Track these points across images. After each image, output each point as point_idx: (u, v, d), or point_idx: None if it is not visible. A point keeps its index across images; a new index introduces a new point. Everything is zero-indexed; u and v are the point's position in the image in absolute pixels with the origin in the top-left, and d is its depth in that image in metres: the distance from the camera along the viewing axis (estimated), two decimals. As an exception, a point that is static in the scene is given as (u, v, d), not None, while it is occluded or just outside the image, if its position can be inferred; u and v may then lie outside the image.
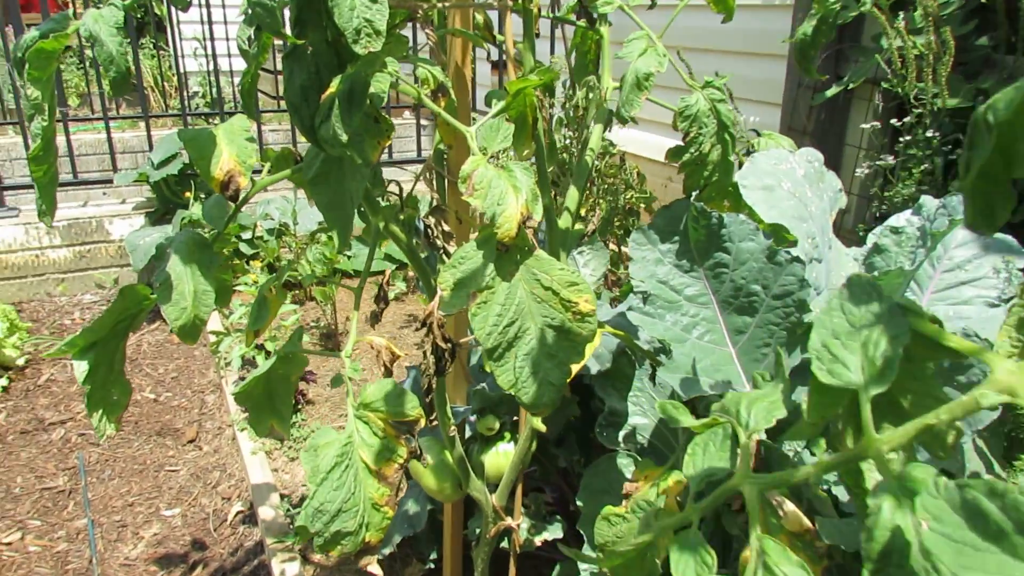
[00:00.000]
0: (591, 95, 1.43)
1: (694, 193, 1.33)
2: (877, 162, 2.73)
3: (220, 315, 3.39)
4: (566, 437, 1.79)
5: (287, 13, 0.94)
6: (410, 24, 1.55)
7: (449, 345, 1.08)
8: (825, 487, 1.12)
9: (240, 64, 5.96)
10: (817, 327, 0.51)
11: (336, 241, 1.01)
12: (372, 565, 1.22)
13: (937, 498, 0.40)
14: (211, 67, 4.80)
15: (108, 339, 1.12)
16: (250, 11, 0.90)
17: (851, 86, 2.92)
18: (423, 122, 5.26)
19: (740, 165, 1.36)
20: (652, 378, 1.47)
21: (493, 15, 1.49)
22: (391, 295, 3.77)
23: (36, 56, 0.94)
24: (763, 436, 0.94)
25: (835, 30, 1.14)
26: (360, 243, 4.14)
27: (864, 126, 2.95)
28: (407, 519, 1.81)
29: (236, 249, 3.98)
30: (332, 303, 3.40)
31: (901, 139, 2.59)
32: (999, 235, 1.42)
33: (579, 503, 1.51)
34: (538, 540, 1.67)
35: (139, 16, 7.44)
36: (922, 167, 2.53)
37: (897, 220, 1.45)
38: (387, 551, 1.84)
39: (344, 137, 0.89)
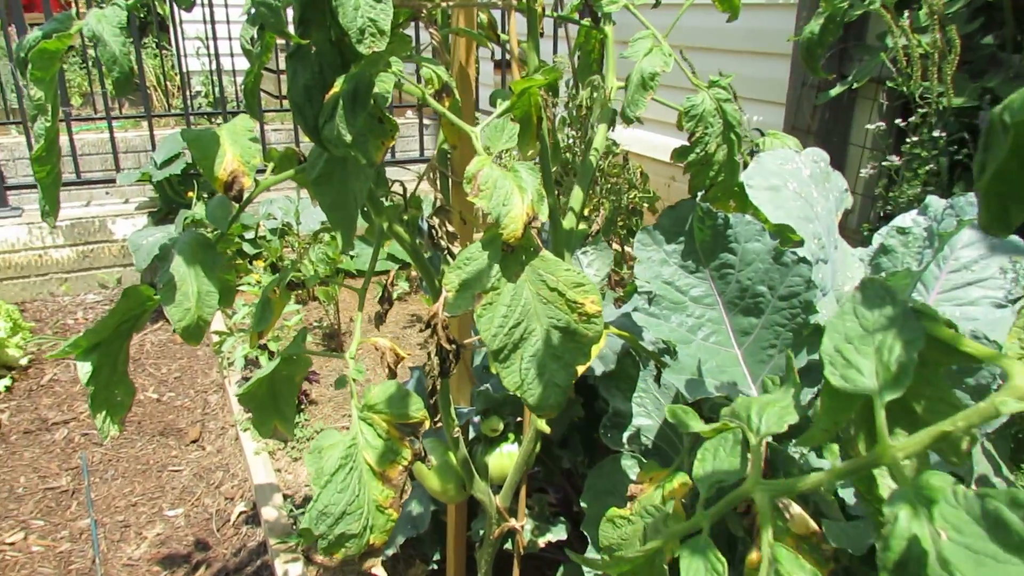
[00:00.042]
0: (595, 95, 1.42)
1: (699, 193, 1.32)
2: (883, 163, 2.72)
3: (223, 315, 3.39)
4: (570, 438, 1.78)
5: (290, 13, 0.93)
6: (413, 23, 1.55)
7: (454, 346, 1.07)
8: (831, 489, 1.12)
9: (242, 63, 5.96)
10: (830, 331, 0.50)
11: (340, 242, 1.00)
12: (376, 567, 1.21)
13: (956, 508, 0.39)
14: (214, 66, 4.80)
15: (111, 340, 1.12)
16: (254, 11, 0.89)
17: (855, 85, 2.91)
18: (426, 121, 5.25)
19: (745, 165, 1.35)
20: (657, 379, 1.47)
21: (496, 14, 1.49)
22: (394, 295, 3.77)
23: (39, 56, 0.94)
24: (769, 438, 0.94)
25: (842, 28, 1.13)
26: (363, 243, 4.13)
27: (869, 127, 2.94)
28: (411, 520, 1.80)
29: (239, 249, 3.98)
30: (335, 303, 3.40)
31: (907, 140, 2.58)
32: (1006, 235, 1.41)
33: (583, 504, 1.50)
34: (542, 541, 1.67)
35: (142, 16, 7.44)
36: (927, 167, 2.52)
37: (903, 220, 1.45)
38: (390, 552, 1.84)
39: (348, 137, 0.88)
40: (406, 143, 5.40)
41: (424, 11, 1.23)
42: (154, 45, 6.98)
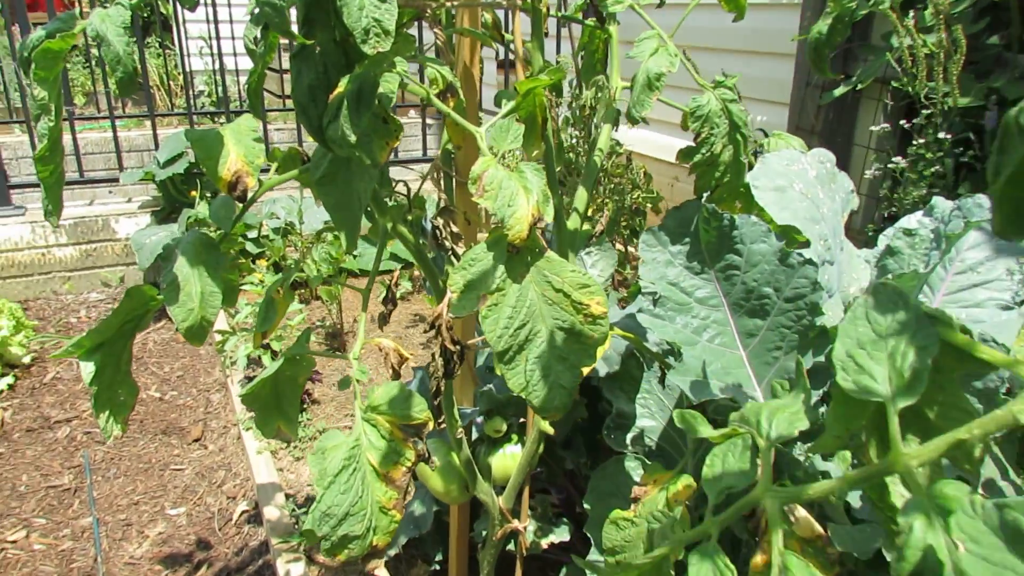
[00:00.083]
0: (600, 95, 1.41)
1: (705, 194, 1.32)
2: (888, 165, 2.71)
3: (226, 314, 3.39)
4: (573, 439, 1.78)
5: (294, 13, 0.93)
6: (416, 23, 1.54)
7: (458, 348, 1.07)
8: (837, 492, 1.11)
9: (245, 63, 5.96)
10: (842, 336, 0.50)
11: (344, 242, 1.00)
12: (379, 569, 1.21)
13: (974, 518, 0.38)
14: (217, 66, 4.80)
15: (115, 340, 1.12)
16: (258, 10, 0.89)
17: (860, 86, 2.90)
18: (428, 121, 5.25)
19: (750, 166, 1.35)
20: (661, 381, 1.46)
21: (500, 14, 1.48)
22: (397, 295, 3.77)
23: (42, 56, 0.93)
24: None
25: (850, 29, 1.12)
26: (366, 242, 4.13)
27: (873, 128, 2.93)
28: (413, 520, 1.80)
29: (242, 248, 3.98)
30: (338, 302, 3.39)
31: (914, 142, 2.57)
32: (1013, 237, 1.40)
33: (586, 506, 1.50)
34: (544, 543, 1.66)
35: (145, 15, 7.45)
36: (933, 169, 2.52)
37: (909, 222, 1.44)
38: (392, 552, 1.83)
39: (352, 138, 0.88)
40: (409, 143, 5.40)
41: (428, 11, 1.22)
42: (157, 44, 6.99)
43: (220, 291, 1.03)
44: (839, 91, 3.03)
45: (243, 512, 2.42)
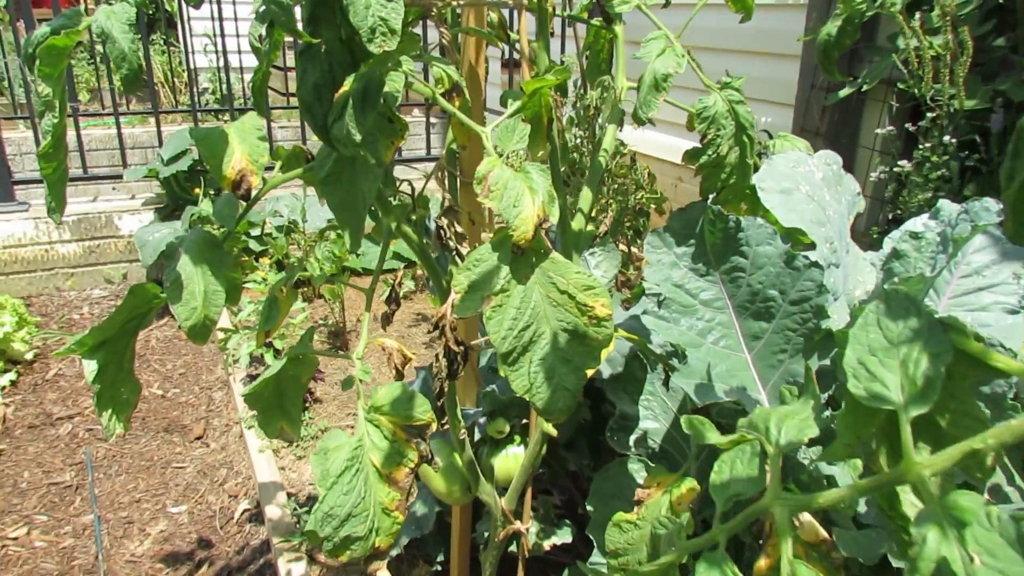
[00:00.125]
0: (605, 95, 1.41)
1: (711, 196, 1.31)
2: (894, 168, 2.71)
3: (229, 312, 3.39)
4: (576, 440, 1.77)
5: (299, 11, 0.93)
6: (421, 21, 1.53)
7: (462, 348, 1.06)
8: (842, 496, 1.10)
9: (250, 60, 5.96)
10: (852, 342, 0.49)
11: (348, 241, 0.99)
12: (381, 571, 1.20)
13: (990, 531, 0.38)
14: (221, 63, 4.80)
15: (118, 338, 1.11)
16: (263, 8, 0.88)
17: (865, 87, 2.89)
18: (432, 120, 5.25)
19: (756, 168, 1.34)
20: (665, 383, 1.46)
21: (506, 13, 1.48)
22: (400, 294, 3.76)
23: (47, 52, 0.93)
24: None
25: (860, 31, 1.12)
26: (368, 241, 4.12)
27: (879, 131, 2.92)
28: (415, 520, 1.80)
29: (245, 246, 3.97)
30: (341, 301, 3.39)
31: (920, 145, 2.56)
32: (1019, 240, 1.39)
33: (589, 508, 1.49)
34: (547, 544, 1.66)
35: (150, 12, 7.45)
36: (939, 172, 2.51)
37: (915, 225, 1.43)
38: (394, 553, 1.83)
39: (358, 137, 0.87)
40: (412, 141, 5.40)
41: (434, 10, 1.22)
42: (162, 41, 6.99)
43: (223, 290, 1.03)
44: (844, 92, 3.02)
45: (245, 511, 2.42)
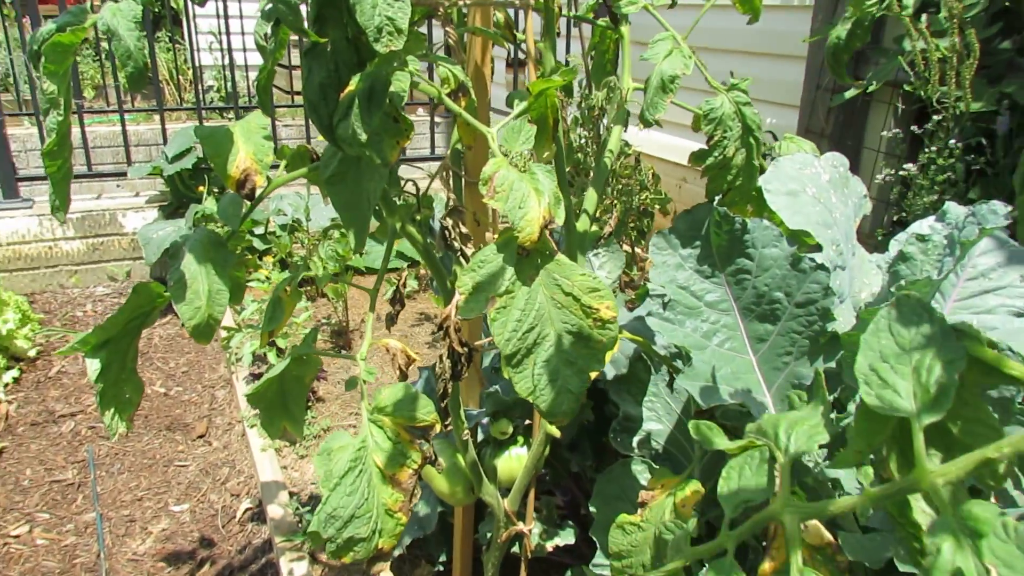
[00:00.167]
0: (611, 95, 1.40)
1: (716, 197, 1.31)
2: (900, 171, 2.70)
3: (232, 311, 3.39)
4: (579, 442, 1.77)
5: (304, 10, 0.92)
6: (426, 21, 1.53)
7: (466, 350, 1.06)
8: (847, 501, 1.10)
9: (254, 58, 5.96)
10: (864, 348, 0.49)
11: (352, 241, 0.99)
12: (384, 572, 1.20)
13: (1007, 542, 0.37)
14: (226, 61, 4.80)
15: (121, 337, 1.11)
16: (270, 7, 0.88)
17: (871, 88, 2.88)
18: (436, 119, 5.24)
19: (762, 169, 1.34)
20: (670, 385, 1.45)
21: (510, 13, 1.47)
22: (404, 295, 3.76)
23: (52, 50, 0.93)
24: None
25: (870, 33, 1.11)
26: (372, 240, 4.12)
27: (885, 133, 2.91)
28: (417, 520, 1.79)
29: (248, 245, 3.97)
30: (344, 300, 3.39)
31: (926, 149, 2.55)
32: None
33: (592, 509, 1.49)
34: (550, 545, 1.66)
35: (155, 9, 7.45)
36: (945, 175, 2.50)
37: (921, 227, 1.42)
38: (397, 553, 1.83)
39: (363, 136, 0.87)
40: (417, 140, 5.39)
41: (440, 9, 1.21)
42: (167, 39, 6.99)
43: (227, 289, 1.03)
44: (850, 94, 3.01)
45: (247, 510, 2.42)
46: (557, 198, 0.92)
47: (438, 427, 1.03)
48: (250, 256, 3.87)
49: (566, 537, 1.67)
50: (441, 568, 1.89)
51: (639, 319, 1.54)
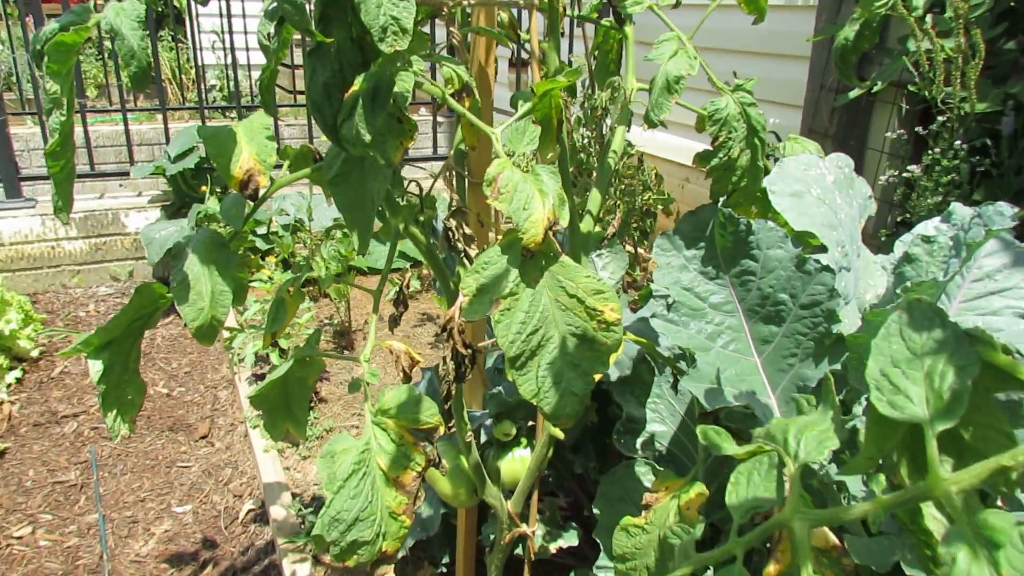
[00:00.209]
0: (615, 96, 1.40)
1: (721, 198, 1.30)
2: (903, 173, 2.69)
3: (234, 311, 3.39)
4: (583, 443, 1.76)
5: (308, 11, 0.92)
6: (429, 21, 1.53)
7: (470, 351, 1.06)
8: (854, 503, 1.09)
9: (257, 57, 5.95)
10: (875, 353, 0.48)
11: (356, 243, 0.98)
12: (388, 575, 1.20)
13: (1024, 553, 0.37)
14: (229, 60, 4.80)
15: (123, 338, 1.11)
16: (275, 6, 0.88)
17: (875, 89, 2.87)
18: (439, 119, 5.24)
19: (767, 170, 1.33)
20: (674, 387, 1.45)
21: (515, 13, 1.47)
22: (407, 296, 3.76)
23: (55, 49, 0.92)
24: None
25: (878, 35, 1.10)
26: (374, 240, 4.11)
27: (889, 134, 2.90)
28: (420, 522, 1.79)
29: (251, 245, 3.97)
30: (346, 300, 3.39)
31: (930, 150, 2.54)
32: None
33: (595, 511, 1.48)
34: (553, 547, 1.65)
35: (158, 9, 7.46)
36: (950, 176, 2.49)
37: (926, 228, 1.42)
38: (400, 554, 1.82)
39: (367, 137, 0.86)
40: (419, 140, 5.39)
41: (444, 9, 1.21)
42: (170, 38, 7.00)
43: (230, 290, 1.02)
44: (854, 94, 3.00)
45: (249, 511, 2.42)
46: (561, 199, 0.91)
47: (442, 429, 1.02)
48: (252, 256, 3.87)
49: (569, 539, 1.67)
50: (444, 570, 1.89)
51: (643, 320, 1.54)
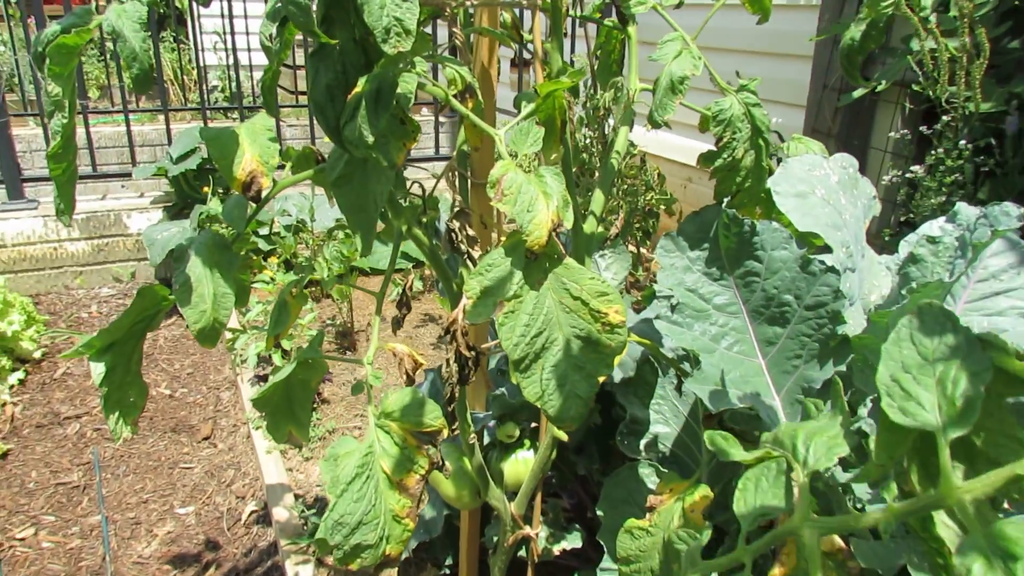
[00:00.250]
0: (618, 96, 1.39)
1: (725, 199, 1.29)
2: (907, 173, 2.68)
3: (237, 312, 3.39)
4: (586, 444, 1.76)
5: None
6: (431, 21, 1.52)
7: (473, 353, 1.05)
8: (859, 505, 1.09)
9: (259, 58, 5.96)
10: (885, 358, 0.47)
11: (359, 244, 0.98)
12: (391, 577, 1.20)
13: (1043, 566, 0.36)
14: (231, 61, 4.80)
15: (125, 340, 1.10)
16: (278, 7, 0.87)
17: (879, 88, 2.86)
18: (441, 119, 5.23)
19: (770, 171, 1.33)
20: (678, 388, 1.44)
21: (517, 13, 1.46)
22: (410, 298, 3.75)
23: (57, 51, 0.92)
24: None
25: (884, 35, 1.10)
26: (376, 241, 4.11)
27: (892, 134, 2.90)
28: (423, 524, 1.78)
29: (253, 246, 3.97)
30: (349, 301, 3.38)
31: (934, 150, 2.54)
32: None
33: (599, 513, 1.48)
34: (556, 549, 1.65)
35: (160, 10, 7.46)
36: (954, 176, 2.48)
37: (931, 228, 1.41)
38: (403, 557, 1.82)
39: (370, 138, 0.86)
40: (421, 141, 5.38)
41: (447, 10, 1.20)
42: (171, 39, 6.99)
43: (233, 293, 1.02)
44: (857, 93, 2.99)
45: (252, 512, 2.41)
46: (566, 201, 0.91)
47: (445, 432, 1.02)
48: (255, 257, 3.87)
49: (573, 541, 1.66)
50: (447, 572, 1.88)
51: (646, 321, 1.53)
